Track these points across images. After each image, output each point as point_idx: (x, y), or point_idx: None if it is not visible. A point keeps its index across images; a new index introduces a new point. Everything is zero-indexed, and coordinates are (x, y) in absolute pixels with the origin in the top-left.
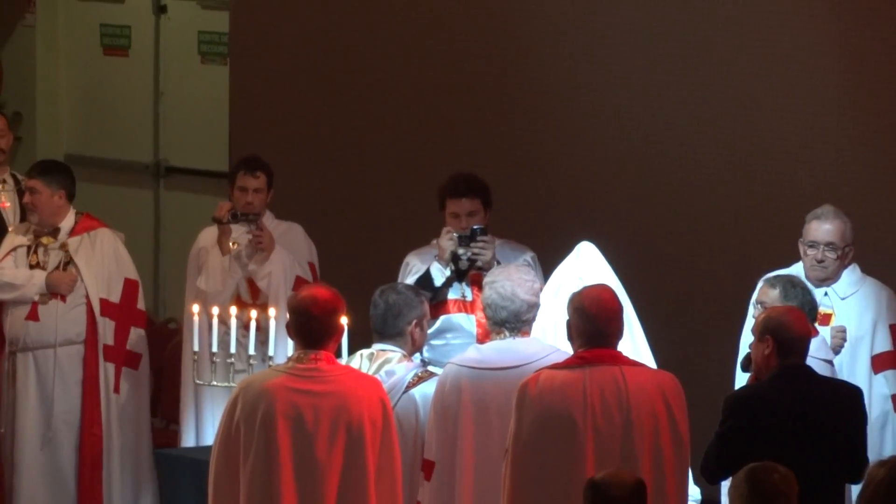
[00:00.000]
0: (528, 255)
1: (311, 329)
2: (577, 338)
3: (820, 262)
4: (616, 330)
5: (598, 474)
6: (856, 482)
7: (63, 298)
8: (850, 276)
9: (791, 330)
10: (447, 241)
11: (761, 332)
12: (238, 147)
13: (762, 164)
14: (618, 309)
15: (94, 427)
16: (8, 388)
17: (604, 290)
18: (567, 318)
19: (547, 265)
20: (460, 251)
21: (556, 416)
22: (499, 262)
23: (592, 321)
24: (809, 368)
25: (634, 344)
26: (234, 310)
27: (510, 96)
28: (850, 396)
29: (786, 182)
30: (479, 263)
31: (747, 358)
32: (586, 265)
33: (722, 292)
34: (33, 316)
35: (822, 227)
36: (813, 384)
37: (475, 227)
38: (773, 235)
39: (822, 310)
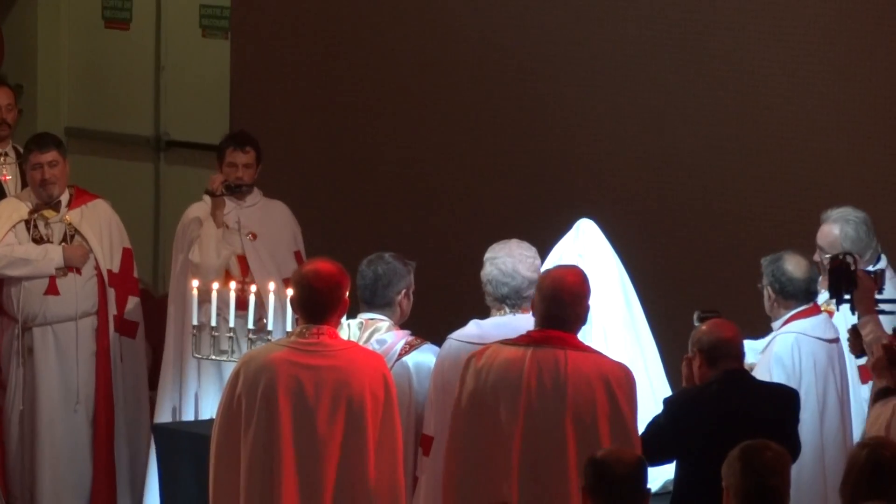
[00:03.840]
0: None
1: (313, 303)
2: (534, 315)
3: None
4: (572, 316)
5: (599, 452)
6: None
7: (79, 271)
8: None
9: (712, 335)
10: None
11: (690, 347)
12: (238, 121)
13: (771, 142)
14: (578, 294)
15: (109, 398)
16: (22, 365)
17: (569, 274)
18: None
19: (548, 243)
20: None
21: (491, 390)
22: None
23: (547, 303)
24: (747, 374)
25: (635, 327)
26: (233, 284)
27: (510, 73)
28: (786, 398)
29: (794, 161)
30: None
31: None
32: (586, 243)
33: (725, 269)
34: (53, 290)
35: (821, 230)
36: (751, 387)
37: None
38: (780, 215)
39: (829, 306)
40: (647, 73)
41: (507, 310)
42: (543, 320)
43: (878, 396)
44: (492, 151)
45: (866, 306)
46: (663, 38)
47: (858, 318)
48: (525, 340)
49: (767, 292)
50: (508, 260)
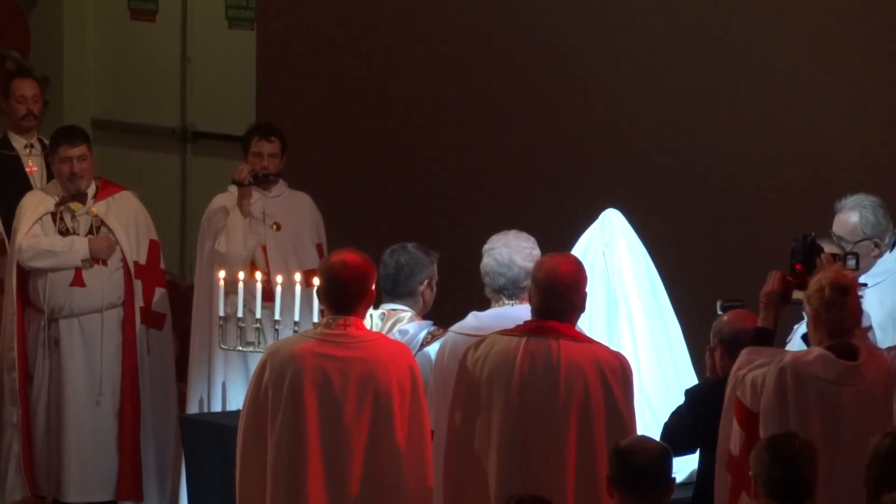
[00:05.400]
0: None
1: (341, 294)
2: (531, 306)
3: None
4: (568, 306)
5: (623, 441)
6: None
7: (105, 263)
8: (879, 267)
9: (733, 326)
10: None
11: (713, 338)
12: (264, 113)
13: (799, 130)
14: (574, 283)
15: (135, 390)
16: (49, 356)
17: (563, 263)
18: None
19: (573, 233)
20: None
21: (486, 380)
22: None
23: (543, 294)
24: None
25: (661, 317)
26: (259, 275)
27: (535, 63)
28: None
29: (822, 149)
30: None
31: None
32: (612, 233)
33: (752, 259)
34: (79, 282)
35: (837, 219)
36: None
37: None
38: (808, 204)
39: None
40: (671, 61)
41: (506, 300)
42: (539, 311)
43: (753, 340)
44: (517, 142)
45: None
46: (687, 26)
47: None
48: (521, 330)
49: None
50: (505, 251)
